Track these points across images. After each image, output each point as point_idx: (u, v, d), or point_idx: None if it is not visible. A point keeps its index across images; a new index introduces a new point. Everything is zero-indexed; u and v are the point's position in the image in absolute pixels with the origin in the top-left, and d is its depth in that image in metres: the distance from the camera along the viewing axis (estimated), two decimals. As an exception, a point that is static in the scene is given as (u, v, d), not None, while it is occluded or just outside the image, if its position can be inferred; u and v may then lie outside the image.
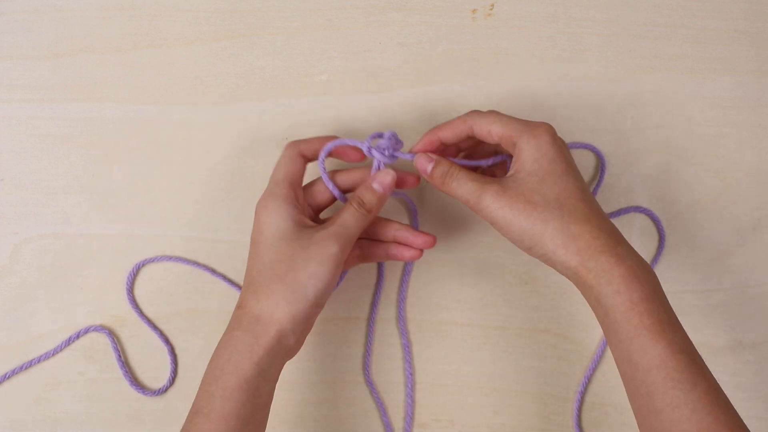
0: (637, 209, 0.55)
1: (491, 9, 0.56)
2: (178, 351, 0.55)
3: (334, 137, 0.49)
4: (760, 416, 0.54)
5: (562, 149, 0.45)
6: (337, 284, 0.53)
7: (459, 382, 0.55)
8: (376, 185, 0.46)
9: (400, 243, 0.49)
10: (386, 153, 0.47)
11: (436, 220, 0.56)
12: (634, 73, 0.56)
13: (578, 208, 0.43)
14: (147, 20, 0.56)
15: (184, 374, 0.55)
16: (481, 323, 0.55)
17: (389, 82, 0.56)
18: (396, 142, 0.48)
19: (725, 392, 0.39)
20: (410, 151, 0.48)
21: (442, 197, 0.56)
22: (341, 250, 0.44)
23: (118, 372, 0.54)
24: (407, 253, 0.49)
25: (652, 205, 0.56)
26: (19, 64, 0.56)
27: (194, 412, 0.42)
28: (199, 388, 0.43)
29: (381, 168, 0.48)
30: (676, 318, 0.42)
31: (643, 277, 0.41)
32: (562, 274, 0.44)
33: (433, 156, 0.47)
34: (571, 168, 0.44)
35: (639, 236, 0.56)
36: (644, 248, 0.56)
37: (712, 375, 0.40)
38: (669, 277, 0.55)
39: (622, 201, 0.56)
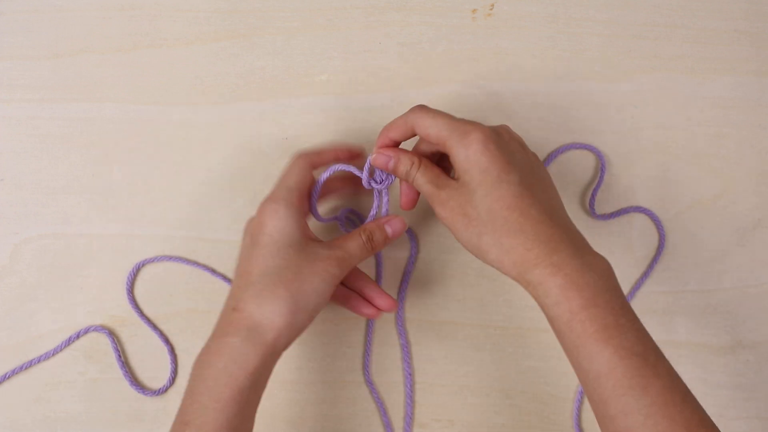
0: (637, 209, 0.55)
1: (491, 9, 0.56)
2: (178, 351, 0.55)
3: (342, 148, 0.49)
4: (760, 416, 0.54)
5: (495, 156, 0.42)
6: None
7: (459, 382, 0.55)
8: (389, 229, 0.47)
9: (364, 297, 0.49)
10: (383, 183, 0.48)
11: (436, 219, 0.56)
12: (634, 73, 0.56)
13: (510, 220, 0.41)
14: (147, 20, 0.56)
15: (184, 374, 0.55)
16: (481, 323, 0.55)
17: (389, 82, 0.56)
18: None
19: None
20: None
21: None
22: (341, 275, 0.44)
23: (118, 372, 0.54)
24: (366, 310, 0.49)
25: (652, 205, 0.56)
26: (19, 64, 0.56)
27: (184, 423, 0.41)
28: (187, 396, 0.42)
29: (383, 195, 0.49)
30: (630, 316, 0.40)
31: (583, 282, 0.40)
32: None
33: (390, 153, 0.46)
34: (505, 173, 0.42)
35: (639, 236, 0.56)
36: (644, 248, 0.56)
37: (669, 371, 0.39)
38: (669, 277, 0.55)
39: (622, 201, 0.56)
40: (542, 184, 0.44)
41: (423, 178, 0.45)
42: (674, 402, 0.38)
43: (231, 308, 0.43)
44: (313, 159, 0.48)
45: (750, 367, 0.55)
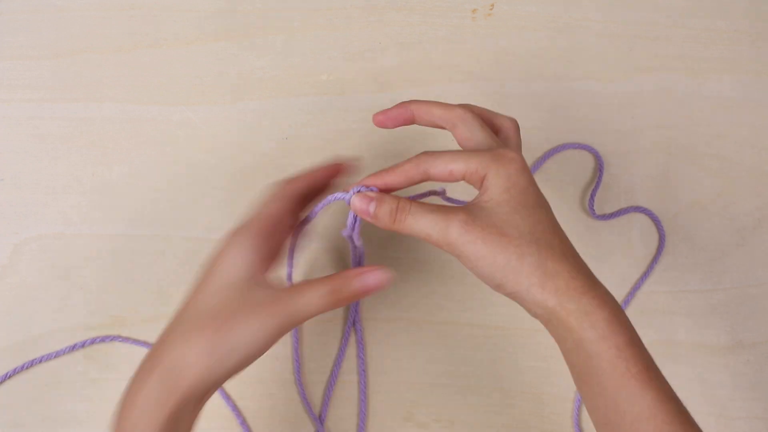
0: (638, 209, 0.55)
1: (491, 9, 0.56)
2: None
3: (321, 168, 0.43)
4: (760, 416, 0.54)
5: (532, 180, 0.40)
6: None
7: (459, 382, 0.55)
8: (359, 284, 0.39)
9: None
10: (353, 229, 0.43)
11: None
12: (634, 73, 0.56)
13: (554, 244, 0.39)
14: (147, 20, 0.56)
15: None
16: (481, 323, 0.55)
17: (389, 82, 0.56)
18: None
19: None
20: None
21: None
22: (284, 328, 0.38)
23: (118, 372, 0.54)
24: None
25: (652, 205, 0.56)
26: (19, 64, 0.56)
27: None
28: None
29: (354, 240, 0.43)
30: (654, 363, 0.39)
31: (624, 320, 0.38)
32: (531, 313, 0.40)
33: (372, 194, 0.40)
34: (542, 200, 0.40)
35: (639, 236, 0.56)
36: (644, 248, 0.56)
37: (695, 422, 0.38)
38: (669, 277, 0.55)
39: (622, 201, 0.56)
40: None
41: (423, 210, 0.39)
42: None
43: (154, 345, 0.39)
44: (294, 186, 0.42)
45: (750, 367, 0.55)
